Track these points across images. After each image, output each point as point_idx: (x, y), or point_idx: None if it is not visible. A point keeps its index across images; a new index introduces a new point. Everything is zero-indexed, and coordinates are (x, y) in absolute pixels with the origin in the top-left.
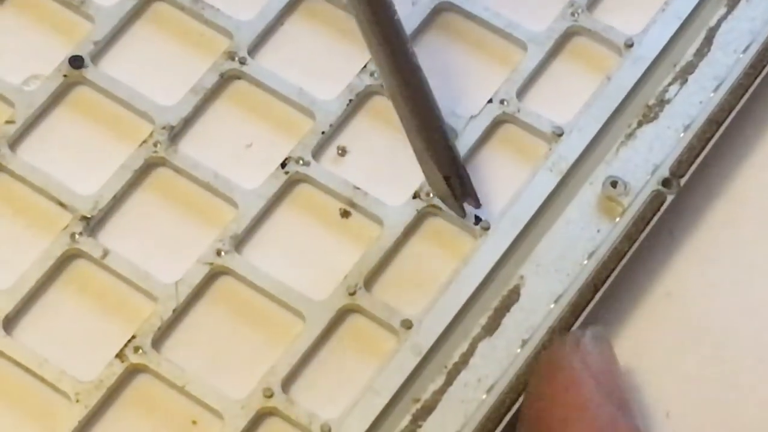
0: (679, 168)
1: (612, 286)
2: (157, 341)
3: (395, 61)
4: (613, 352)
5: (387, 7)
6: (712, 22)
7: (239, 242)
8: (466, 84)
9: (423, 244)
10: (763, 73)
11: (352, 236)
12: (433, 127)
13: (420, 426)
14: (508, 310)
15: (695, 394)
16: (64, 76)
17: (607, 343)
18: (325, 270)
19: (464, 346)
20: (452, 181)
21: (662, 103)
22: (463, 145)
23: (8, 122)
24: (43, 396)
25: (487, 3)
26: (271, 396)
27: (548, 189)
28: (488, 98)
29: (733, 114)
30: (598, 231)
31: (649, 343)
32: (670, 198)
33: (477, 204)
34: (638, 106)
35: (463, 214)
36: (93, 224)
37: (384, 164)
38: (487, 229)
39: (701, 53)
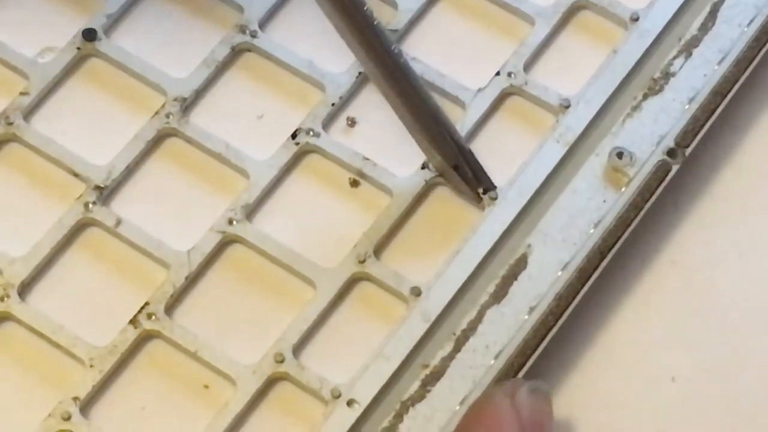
0: (684, 139)
1: (618, 254)
2: (170, 308)
3: (383, 68)
4: (550, 409)
5: (364, 15)
6: None
7: (251, 211)
8: (473, 57)
9: (431, 213)
10: (767, 47)
11: (362, 205)
12: (433, 122)
13: (429, 391)
14: (516, 278)
15: (699, 359)
16: (78, 48)
17: (545, 399)
18: (335, 239)
19: (472, 313)
20: (462, 170)
21: (667, 76)
22: (470, 118)
23: (23, 94)
24: (58, 361)
25: None
26: (282, 361)
27: (555, 160)
28: (496, 71)
29: (737, 86)
30: (604, 201)
31: (654, 310)
32: (675, 168)
33: (491, 187)
34: (644, 79)
35: (479, 200)
36: (106, 194)
37: (393, 135)
38: (494, 199)
39: (706, 27)
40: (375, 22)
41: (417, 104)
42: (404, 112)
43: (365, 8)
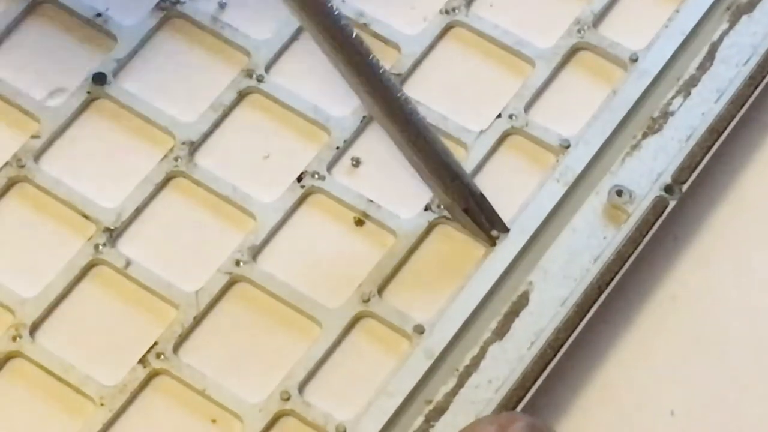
0: (681, 175)
1: (617, 289)
2: (178, 347)
3: (392, 116)
4: None
5: (373, 66)
6: (715, 37)
7: (257, 252)
8: (475, 99)
9: (434, 252)
10: (763, 84)
11: (366, 245)
12: (443, 166)
13: (432, 426)
14: (518, 315)
15: (699, 393)
16: (88, 92)
17: None
18: (339, 278)
19: (475, 350)
20: (472, 213)
21: (666, 115)
22: (473, 159)
23: (34, 137)
24: (69, 399)
25: (496, 21)
26: (288, 399)
27: (555, 199)
28: (497, 113)
29: (734, 123)
30: (604, 238)
31: (653, 345)
32: (672, 203)
33: (504, 229)
34: (643, 119)
35: (493, 242)
36: (116, 235)
37: (397, 175)
38: (496, 237)
39: (704, 67)
40: (381, 71)
41: (426, 150)
42: (414, 158)
43: (371, 57)
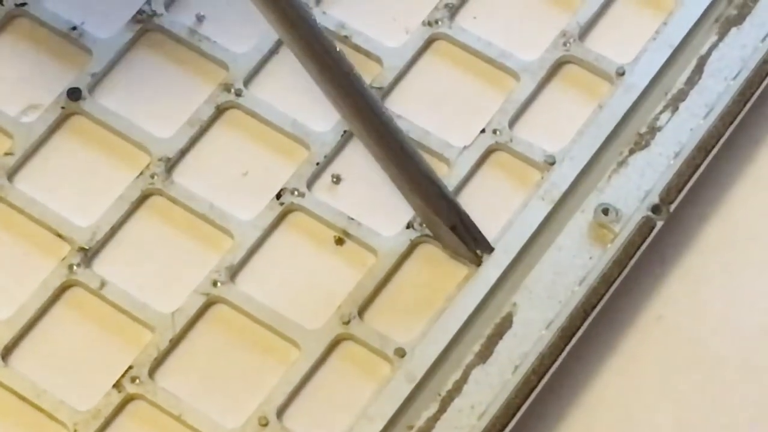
0: (668, 194)
1: (604, 310)
2: (154, 370)
3: (375, 134)
4: None
5: (355, 82)
6: (703, 50)
7: (235, 272)
8: (458, 113)
9: (416, 272)
10: (752, 100)
11: (346, 265)
12: (428, 184)
13: None
14: (501, 338)
15: (686, 414)
16: (62, 107)
17: None
18: (319, 299)
19: (458, 373)
20: (459, 231)
21: (654, 130)
22: (456, 175)
23: (7, 154)
24: (41, 426)
25: (479, 33)
26: (266, 424)
27: (540, 217)
28: (481, 128)
29: (722, 141)
30: (590, 258)
31: (639, 366)
32: (659, 224)
33: (488, 249)
34: (630, 134)
35: (478, 262)
36: (90, 255)
37: (378, 193)
38: (481, 257)
39: (692, 81)
40: (364, 88)
41: (410, 168)
42: (397, 176)
43: (353, 73)
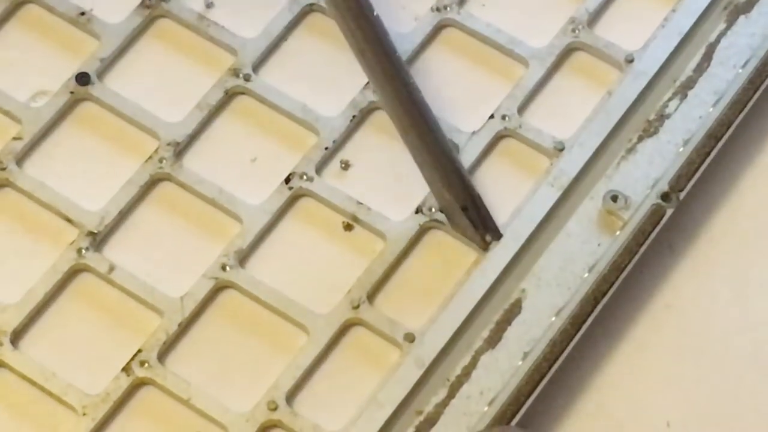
0: (678, 182)
1: (612, 298)
2: (163, 355)
3: (400, 101)
4: None
5: (388, 48)
6: (712, 38)
7: (244, 257)
8: (468, 100)
9: (425, 257)
10: (762, 88)
11: (356, 250)
12: (446, 159)
13: None
14: (510, 324)
15: (695, 403)
16: (71, 92)
17: None
18: (328, 284)
19: (467, 359)
20: (470, 212)
21: (662, 117)
22: (464, 161)
23: (15, 138)
24: (51, 409)
25: (488, 19)
26: (275, 409)
27: (549, 204)
28: (490, 114)
29: (732, 129)
30: (599, 245)
31: (648, 355)
32: (669, 212)
33: (498, 235)
34: (639, 121)
35: (485, 246)
36: (99, 239)
37: (387, 178)
38: (489, 243)
39: (701, 68)
40: (396, 54)
41: (431, 140)
42: (418, 147)
43: (387, 39)
